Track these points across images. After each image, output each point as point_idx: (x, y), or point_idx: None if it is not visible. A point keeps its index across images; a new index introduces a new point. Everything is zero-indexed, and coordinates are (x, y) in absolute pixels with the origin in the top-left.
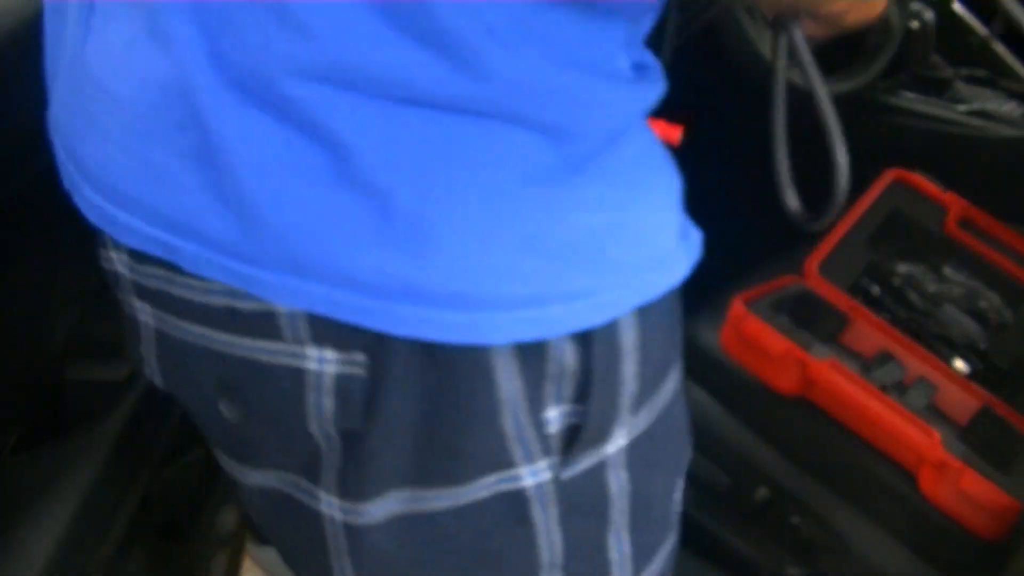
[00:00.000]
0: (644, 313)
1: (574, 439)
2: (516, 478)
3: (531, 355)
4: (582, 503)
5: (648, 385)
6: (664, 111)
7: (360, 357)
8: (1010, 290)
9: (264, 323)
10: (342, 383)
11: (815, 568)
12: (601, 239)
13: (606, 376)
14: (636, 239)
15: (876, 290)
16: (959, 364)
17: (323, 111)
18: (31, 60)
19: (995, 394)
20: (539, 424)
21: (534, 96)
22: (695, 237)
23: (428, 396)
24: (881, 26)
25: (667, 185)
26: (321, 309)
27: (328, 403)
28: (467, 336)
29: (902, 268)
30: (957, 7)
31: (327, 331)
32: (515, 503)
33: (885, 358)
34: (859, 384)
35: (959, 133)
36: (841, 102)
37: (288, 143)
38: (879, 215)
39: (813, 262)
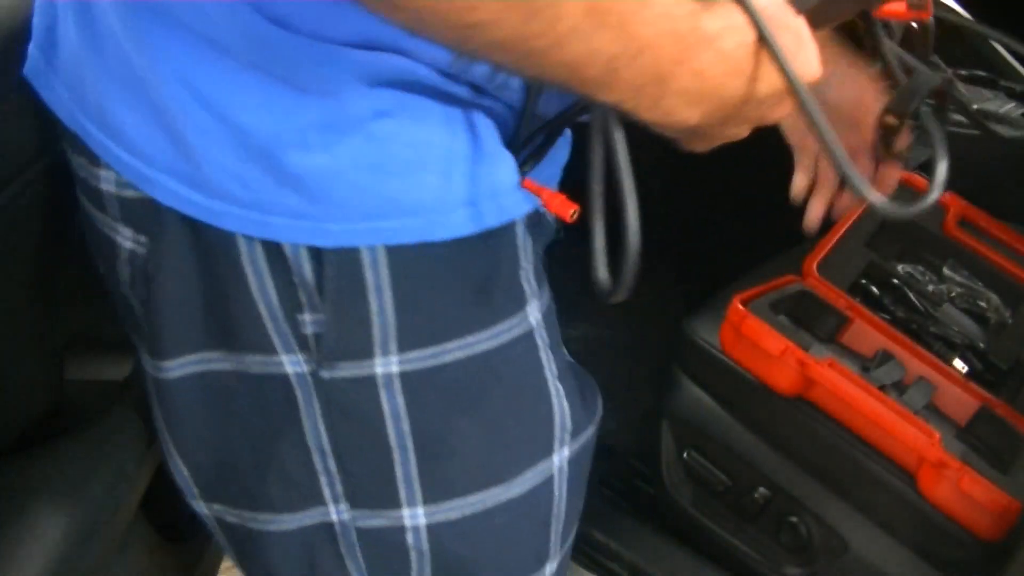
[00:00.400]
0: (402, 260)
1: (321, 344)
2: (279, 364)
3: (276, 259)
4: (347, 406)
5: (416, 332)
6: None
7: (143, 239)
8: (1009, 290)
9: (100, 200)
10: (133, 257)
11: (815, 568)
12: (329, 180)
13: (341, 298)
14: (377, 190)
15: (875, 290)
16: (958, 364)
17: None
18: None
19: (994, 394)
20: (295, 323)
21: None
22: (491, 216)
23: (198, 275)
24: (881, 28)
25: (441, 157)
26: (122, 172)
27: (125, 272)
28: (207, 217)
29: (901, 268)
30: (956, 7)
31: (127, 212)
32: (282, 384)
33: (884, 358)
34: (859, 384)
35: (959, 133)
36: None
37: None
38: (878, 215)
39: (812, 262)
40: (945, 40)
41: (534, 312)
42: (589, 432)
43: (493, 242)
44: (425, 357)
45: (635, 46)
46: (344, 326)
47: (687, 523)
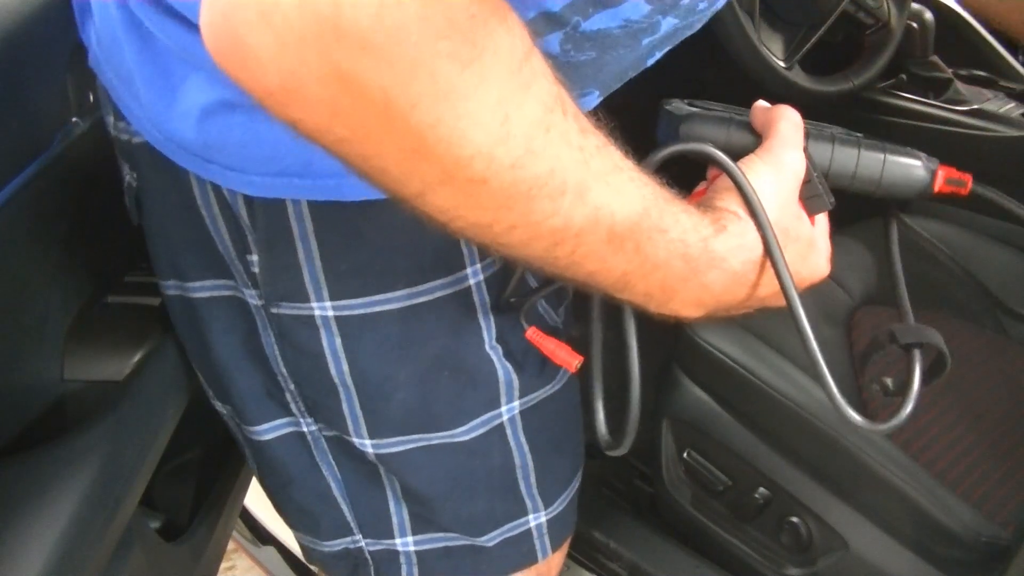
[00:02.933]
0: (325, 214)
1: (263, 284)
2: (241, 292)
3: (223, 203)
4: (295, 340)
5: (345, 283)
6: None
7: (135, 174)
8: None
9: (113, 144)
10: (129, 189)
11: (815, 568)
12: (250, 144)
13: (271, 244)
14: (293, 152)
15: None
16: None
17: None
18: (31, 60)
19: None
20: (246, 262)
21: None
22: None
23: (170, 209)
24: (881, 26)
25: None
26: (123, 112)
27: (128, 203)
28: (168, 151)
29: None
30: (957, 7)
31: (125, 153)
32: (245, 308)
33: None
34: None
35: (959, 133)
36: (842, 102)
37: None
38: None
39: None
40: (945, 40)
41: (475, 274)
42: (549, 390)
43: None
44: (356, 306)
45: (648, 265)
46: (277, 270)
47: (687, 523)
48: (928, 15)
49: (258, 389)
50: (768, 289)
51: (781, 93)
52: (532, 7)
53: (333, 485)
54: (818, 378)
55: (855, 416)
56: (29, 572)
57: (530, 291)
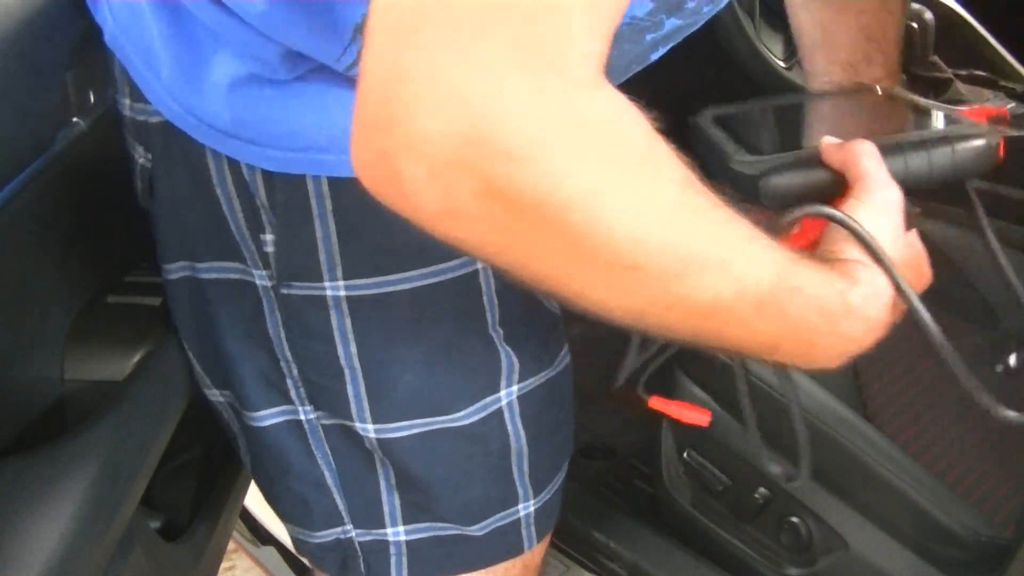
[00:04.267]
0: (344, 192)
1: (277, 263)
2: (250, 274)
3: (239, 180)
4: (303, 322)
5: (360, 262)
6: (667, 109)
7: (149, 156)
8: None
9: (126, 124)
10: (143, 171)
11: (815, 568)
12: (274, 120)
13: (290, 221)
14: (316, 126)
15: None
16: None
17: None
18: (31, 60)
19: None
20: (258, 241)
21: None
22: None
23: (184, 190)
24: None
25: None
26: (142, 90)
27: (139, 185)
28: (185, 126)
29: None
30: (957, 7)
31: (139, 133)
32: (252, 291)
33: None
34: None
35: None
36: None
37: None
38: None
39: None
40: (945, 40)
41: None
42: (546, 375)
43: None
44: (369, 286)
45: (790, 326)
46: (293, 248)
47: (687, 523)
48: (928, 15)
49: (259, 374)
50: (894, 320)
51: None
52: None
53: (327, 474)
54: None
55: (1008, 412)
56: (29, 572)
57: (642, 364)
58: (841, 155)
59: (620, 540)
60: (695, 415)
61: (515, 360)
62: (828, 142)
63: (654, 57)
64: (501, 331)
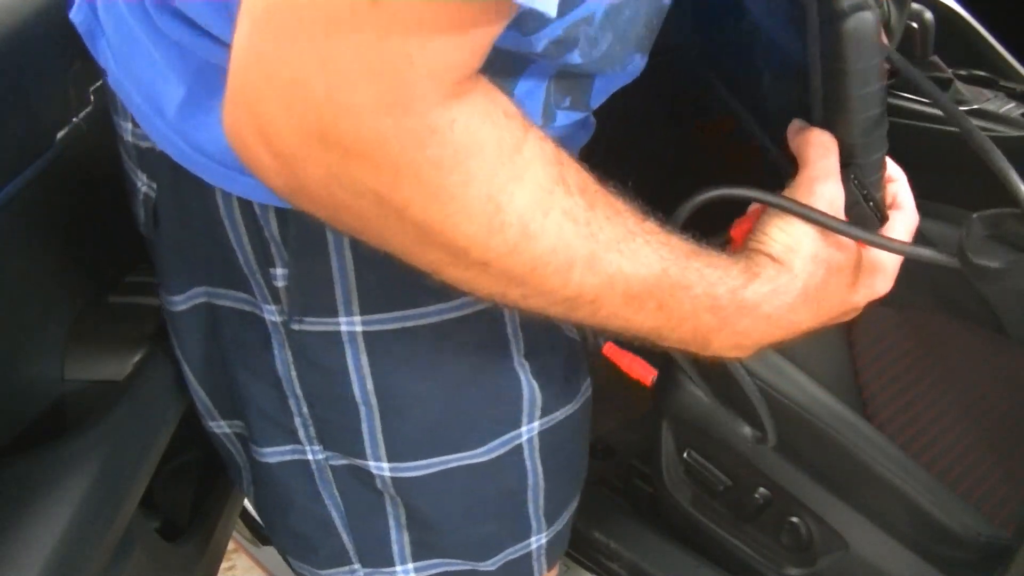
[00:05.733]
0: None
1: (289, 298)
2: (259, 308)
3: (248, 215)
4: (315, 359)
5: (378, 296)
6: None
7: (152, 184)
8: None
9: (127, 148)
10: (146, 200)
11: (815, 568)
12: None
13: (304, 255)
14: None
15: None
16: None
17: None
18: (31, 60)
19: None
20: (267, 275)
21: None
22: None
23: (191, 220)
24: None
25: None
26: (135, 115)
27: (140, 213)
28: (193, 167)
29: None
30: (957, 7)
31: (143, 160)
32: (261, 325)
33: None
34: None
35: (959, 133)
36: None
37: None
38: None
39: None
40: (945, 40)
41: None
42: (568, 410)
43: None
44: (387, 320)
45: (675, 320)
46: (308, 283)
47: (687, 523)
48: (928, 15)
49: (266, 411)
50: (810, 323)
51: None
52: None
53: (334, 514)
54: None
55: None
56: (29, 572)
57: None
58: (796, 141)
59: (620, 540)
60: (640, 371)
61: (538, 395)
62: (794, 125)
63: (667, 1)
64: (528, 364)
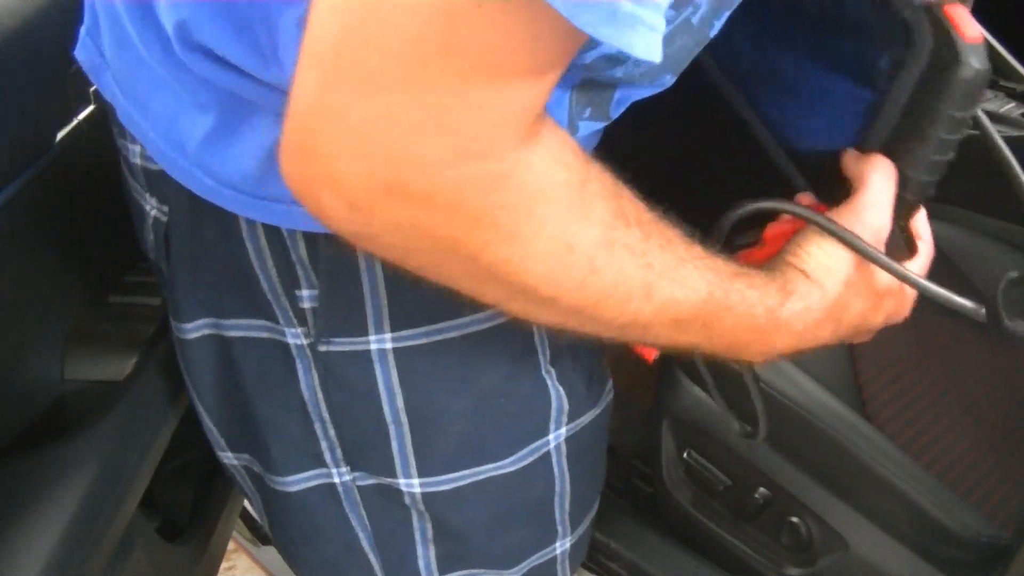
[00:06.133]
0: None
1: (317, 319)
2: (281, 333)
3: (274, 238)
4: (343, 380)
5: (409, 312)
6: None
7: (165, 208)
8: None
9: (133, 171)
10: (156, 224)
11: (815, 568)
12: None
13: (334, 276)
14: None
15: None
16: None
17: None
18: (31, 60)
19: None
20: (293, 298)
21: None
22: None
23: (208, 246)
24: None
25: None
26: (147, 146)
27: (150, 237)
28: (216, 199)
29: None
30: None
31: (152, 183)
32: (284, 353)
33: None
34: None
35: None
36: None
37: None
38: None
39: None
40: None
41: None
42: (592, 414)
43: None
44: (418, 335)
45: (716, 338)
46: (338, 303)
47: (687, 523)
48: None
49: (289, 438)
50: (829, 339)
51: None
52: None
53: (362, 535)
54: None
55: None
56: (29, 572)
57: None
58: (856, 167)
59: (620, 540)
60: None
61: (565, 401)
62: (852, 152)
63: (711, 33)
64: (554, 371)
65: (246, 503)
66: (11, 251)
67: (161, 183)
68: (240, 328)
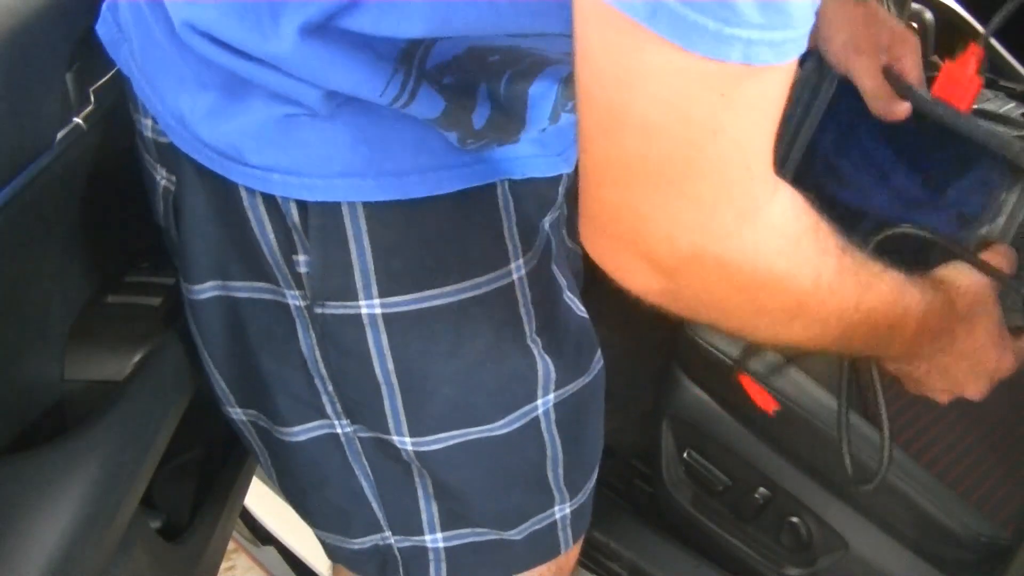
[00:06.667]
0: (379, 212)
1: (311, 284)
2: (282, 295)
3: (272, 206)
4: (338, 340)
5: (396, 279)
6: None
7: (173, 177)
8: None
9: (145, 143)
10: (166, 193)
11: (815, 568)
12: (316, 144)
13: (324, 243)
14: (357, 152)
15: None
16: None
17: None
18: (31, 60)
19: None
20: (291, 262)
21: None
22: (468, 178)
23: (213, 213)
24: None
25: (415, 133)
26: (157, 118)
27: (160, 206)
28: (218, 168)
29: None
30: (957, 7)
31: (162, 155)
32: (284, 312)
33: None
34: None
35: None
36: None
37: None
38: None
39: None
40: (945, 40)
41: (518, 269)
42: (581, 382)
43: (471, 201)
44: (406, 302)
45: (895, 337)
46: (328, 269)
47: (687, 523)
48: (928, 15)
49: (293, 391)
50: (954, 354)
51: None
52: None
53: (365, 484)
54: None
55: None
56: (30, 572)
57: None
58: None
59: (620, 540)
60: (764, 401)
61: (552, 369)
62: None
63: None
64: (540, 340)
65: (246, 503)
66: (11, 251)
67: (169, 155)
68: (246, 290)
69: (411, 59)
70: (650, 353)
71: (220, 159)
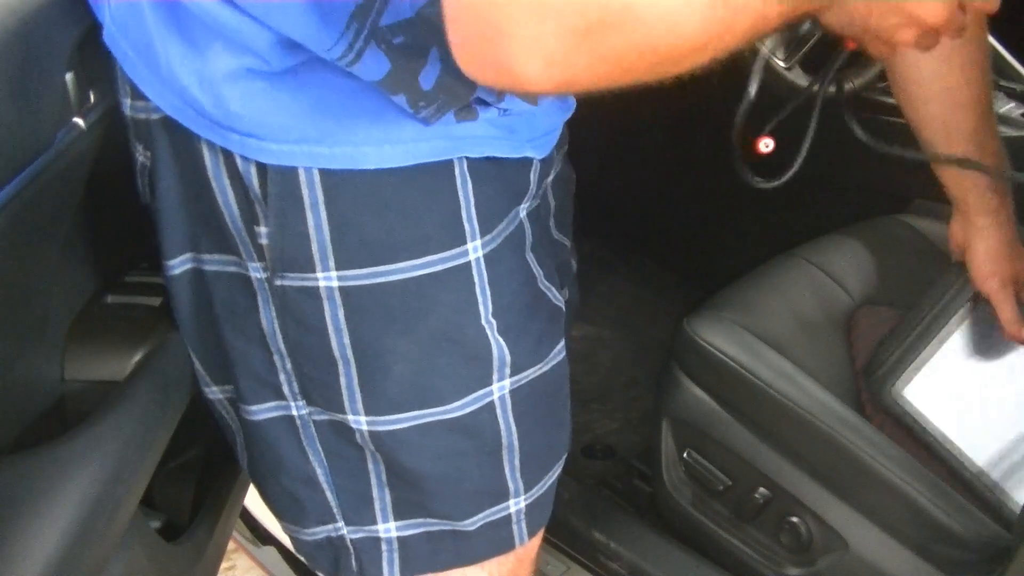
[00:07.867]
0: (335, 182)
1: (271, 254)
2: (245, 267)
3: (233, 173)
4: (297, 314)
5: (352, 251)
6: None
7: (148, 153)
8: None
9: (127, 123)
10: (142, 169)
11: (815, 568)
12: (271, 110)
13: (282, 212)
14: (313, 120)
15: None
16: None
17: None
18: (31, 59)
19: None
20: (253, 234)
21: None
22: (422, 153)
23: (182, 185)
24: None
25: (373, 103)
26: (139, 86)
27: (140, 183)
28: (182, 118)
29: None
30: None
31: (139, 132)
32: (247, 284)
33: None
34: None
35: None
36: (842, 102)
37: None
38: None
39: None
40: None
41: (475, 250)
42: (538, 370)
43: (427, 176)
44: (362, 276)
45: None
46: (286, 239)
47: (687, 523)
48: None
49: (252, 369)
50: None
51: (781, 95)
52: None
53: (319, 470)
54: None
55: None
56: (30, 572)
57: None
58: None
59: (620, 540)
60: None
61: (507, 354)
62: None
63: None
64: (494, 323)
65: (246, 503)
66: (11, 251)
67: (144, 130)
68: (214, 263)
69: (366, 16)
70: (650, 353)
71: (184, 107)
